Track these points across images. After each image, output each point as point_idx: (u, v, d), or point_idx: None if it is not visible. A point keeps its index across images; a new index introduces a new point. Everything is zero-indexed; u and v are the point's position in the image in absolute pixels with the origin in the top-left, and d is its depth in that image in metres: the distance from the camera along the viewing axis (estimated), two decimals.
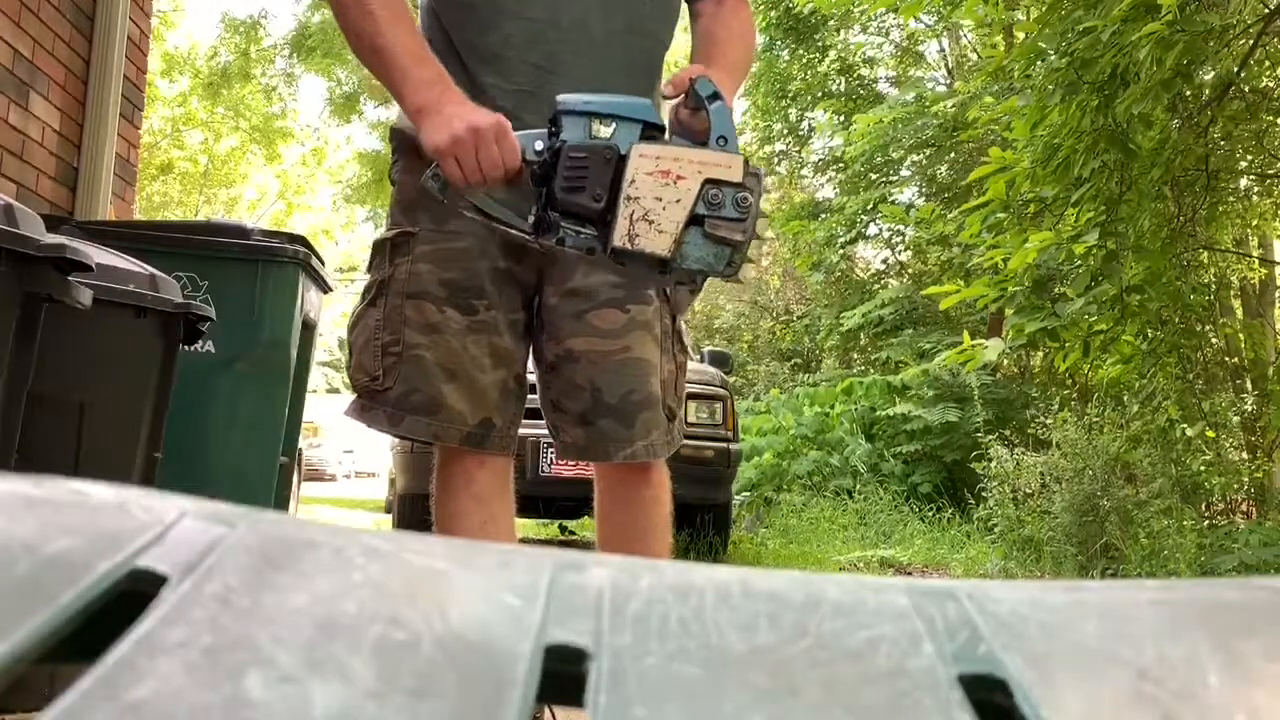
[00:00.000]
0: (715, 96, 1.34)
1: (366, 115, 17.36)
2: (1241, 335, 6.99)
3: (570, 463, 4.21)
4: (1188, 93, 4.66)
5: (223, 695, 0.23)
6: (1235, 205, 6.33)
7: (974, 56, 12.51)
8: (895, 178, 12.27)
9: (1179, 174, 4.73)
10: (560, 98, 1.35)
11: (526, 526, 7.48)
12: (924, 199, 11.92)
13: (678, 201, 1.28)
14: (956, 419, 8.68)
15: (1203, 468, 5.45)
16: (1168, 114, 4.57)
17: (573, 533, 7.64)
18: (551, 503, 5.32)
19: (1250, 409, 6.30)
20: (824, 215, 12.62)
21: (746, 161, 1.31)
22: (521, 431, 1.67)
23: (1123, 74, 4.15)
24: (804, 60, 12.98)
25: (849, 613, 0.29)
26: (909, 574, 5.56)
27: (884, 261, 14.24)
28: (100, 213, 3.59)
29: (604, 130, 1.32)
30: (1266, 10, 4.54)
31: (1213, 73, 4.89)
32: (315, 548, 0.30)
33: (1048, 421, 6.10)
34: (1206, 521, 5.56)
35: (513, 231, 1.40)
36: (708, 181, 1.29)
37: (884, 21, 12.94)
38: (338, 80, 16.65)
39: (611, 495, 1.68)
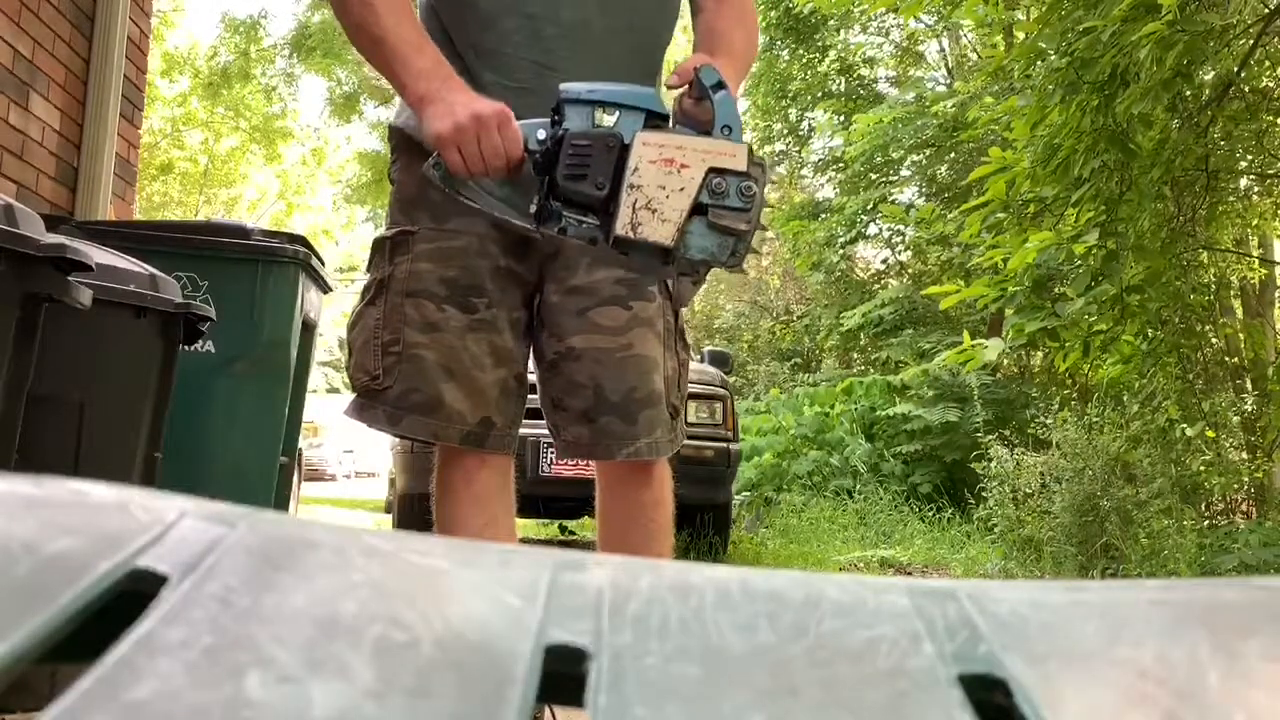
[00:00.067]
0: (719, 85, 1.33)
1: (366, 115, 17.38)
2: (1241, 335, 6.99)
3: (570, 463, 4.21)
4: (1188, 93, 4.66)
5: (223, 695, 0.23)
6: (1235, 205, 6.33)
7: (974, 56, 12.52)
8: (895, 178, 12.28)
9: (1179, 174, 4.73)
10: (563, 86, 1.35)
11: (526, 526, 7.48)
12: (924, 199, 11.93)
13: (681, 190, 1.27)
14: (956, 419, 8.69)
15: (1203, 468, 5.44)
16: (1168, 114, 4.57)
17: (573, 533, 7.64)
18: (551, 503, 5.32)
19: (1250, 409, 6.30)
20: (824, 215, 12.62)
21: (751, 151, 1.30)
22: (521, 431, 1.66)
23: (1123, 74, 4.15)
24: (804, 60, 12.98)
25: (849, 613, 0.29)
26: (909, 574, 5.56)
27: (884, 261, 14.25)
28: (100, 213, 3.59)
29: (607, 119, 1.31)
30: (1266, 10, 4.54)
31: (1213, 73, 4.88)
32: (315, 548, 0.30)
33: (1048, 421, 6.09)
34: (1206, 521, 5.56)
35: (514, 222, 1.40)
36: (711, 170, 1.27)
37: (884, 21, 12.95)
38: (338, 80, 16.67)
39: (613, 495, 1.68)
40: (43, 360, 1.65)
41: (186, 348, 2.14)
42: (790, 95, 13.24)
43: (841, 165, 12.70)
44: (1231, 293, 7.81)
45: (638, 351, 1.60)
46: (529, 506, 5.39)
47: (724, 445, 5.31)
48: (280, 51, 17.17)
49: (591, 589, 0.30)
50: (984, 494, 6.12)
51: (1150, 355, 5.16)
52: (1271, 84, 5.55)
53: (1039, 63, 5.01)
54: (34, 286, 1.55)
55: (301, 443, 3.83)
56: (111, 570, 0.27)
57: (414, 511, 5.05)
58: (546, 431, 1.69)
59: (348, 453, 28.76)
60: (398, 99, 1.58)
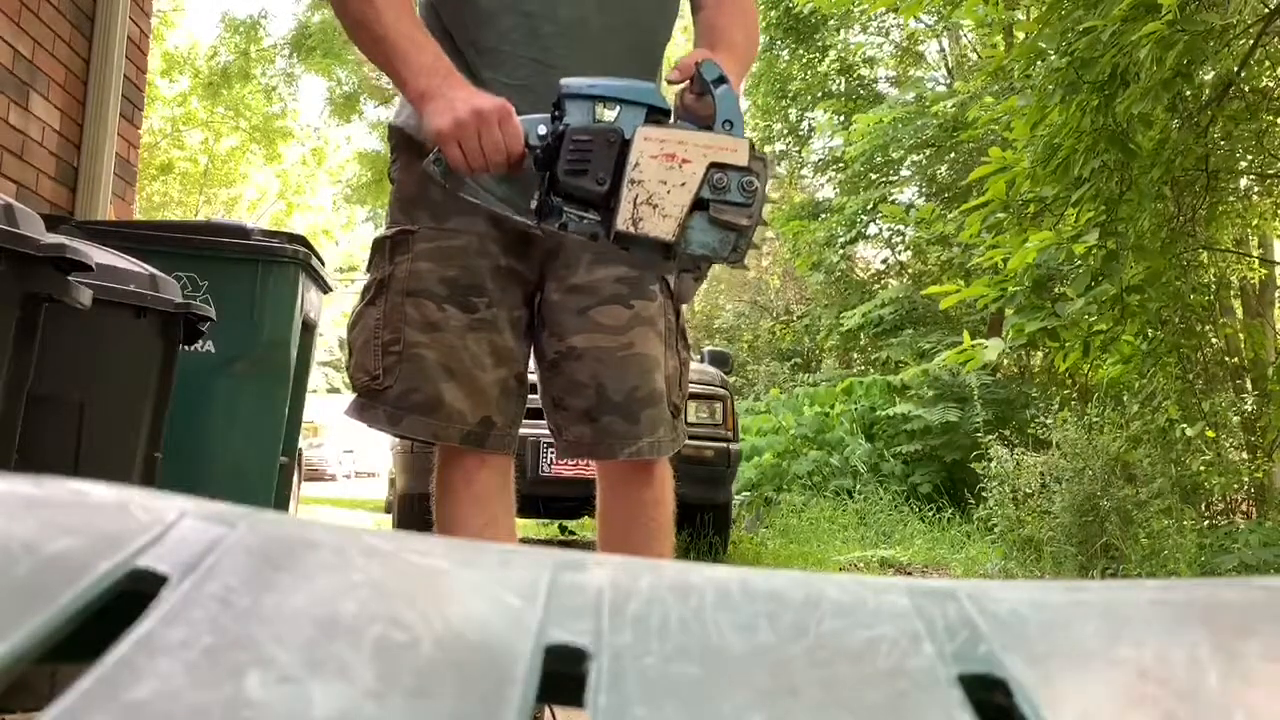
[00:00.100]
0: (721, 80, 1.33)
1: (366, 115, 17.39)
2: (1241, 335, 6.99)
3: (570, 462, 4.21)
4: (1188, 93, 4.66)
5: (223, 695, 0.23)
6: (1235, 205, 6.33)
7: (974, 56, 12.51)
8: (895, 178, 12.28)
9: (1179, 174, 4.73)
10: (564, 81, 1.34)
11: (526, 526, 7.48)
12: (924, 199, 11.93)
13: (682, 185, 1.26)
14: (956, 419, 8.69)
15: (1203, 468, 5.44)
16: (1168, 114, 4.57)
17: (573, 533, 7.64)
18: (551, 503, 5.32)
19: (1250, 409, 6.29)
20: (824, 215, 12.63)
21: (752, 146, 1.29)
22: (522, 431, 1.66)
23: (1123, 74, 4.15)
24: (804, 60, 12.98)
25: (849, 613, 0.29)
26: (909, 574, 5.56)
27: (884, 261, 14.25)
28: (100, 213, 3.59)
29: (608, 113, 1.30)
30: (1266, 10, 4.54)
31: (1213, 73, 4.88)
32: (315, 548, 0.30)
33: (1048, 421, 6.09)
34: (1206, 521, 5.56)
35: (515, 217, 1.39)
36: (713, 165, 1.27)
37: (884, 21, 12.95)
38: (338, 80, 16.68)
39: (614, 495, 1.67)
40: (43, 360, 1.65)
41: (186, 348, 2.14)
42: (790, 95, 13.24)
43: (841, 165, 12.70)
44: (1231, 293, 7.81)
45: (639, 350, 1.59)
46: (529, 506, 5.39)
47: (724, 445, 5.31)
48: (280, 51, 17.18)
49: (591, 589, 0.30)
50: (984, 494, 6.12)
51: (1150, 355, 5.16)
52: (1271, 84, 5.55)
53: (1039, 63, 5.00)
54: (34, 286, 1.55)
55: (301, 443, 3.83)
56: (111, 570, 0.27)
57: (414, 511, 5.05)
58: (546, 431, 1.69)
59: (348, 453, 28.77)
60: (398, 99, 1.58)
